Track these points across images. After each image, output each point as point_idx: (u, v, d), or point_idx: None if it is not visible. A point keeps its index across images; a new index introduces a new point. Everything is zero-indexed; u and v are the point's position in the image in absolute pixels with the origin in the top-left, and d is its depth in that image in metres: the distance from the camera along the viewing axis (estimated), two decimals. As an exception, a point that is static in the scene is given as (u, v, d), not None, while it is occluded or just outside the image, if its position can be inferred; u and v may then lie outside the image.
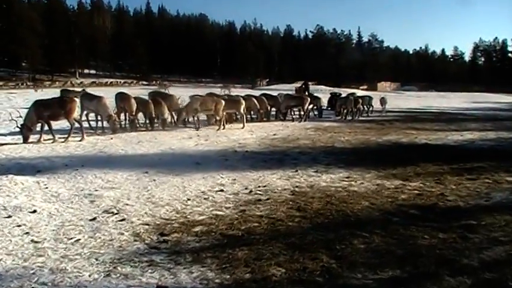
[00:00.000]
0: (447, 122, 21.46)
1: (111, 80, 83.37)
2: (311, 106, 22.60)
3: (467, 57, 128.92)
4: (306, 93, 25.62)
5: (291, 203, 6.61)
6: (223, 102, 15.96)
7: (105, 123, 14.64)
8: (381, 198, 6.91)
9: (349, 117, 21.94)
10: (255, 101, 18.68)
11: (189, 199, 6.80)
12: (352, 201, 6.72)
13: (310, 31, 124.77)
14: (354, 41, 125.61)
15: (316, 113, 23.08)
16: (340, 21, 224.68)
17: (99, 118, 15.05)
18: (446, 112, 31.62)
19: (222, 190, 7.33)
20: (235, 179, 8.09)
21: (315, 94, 25.97)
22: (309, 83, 37.09)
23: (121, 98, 15.60)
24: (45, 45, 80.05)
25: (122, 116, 15.76)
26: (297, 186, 7.64)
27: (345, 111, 22.16)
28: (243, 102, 16.80)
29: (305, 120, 19.86)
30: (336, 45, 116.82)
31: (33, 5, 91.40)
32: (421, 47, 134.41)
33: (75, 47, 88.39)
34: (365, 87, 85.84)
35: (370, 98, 26.14)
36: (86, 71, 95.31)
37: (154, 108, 15.27)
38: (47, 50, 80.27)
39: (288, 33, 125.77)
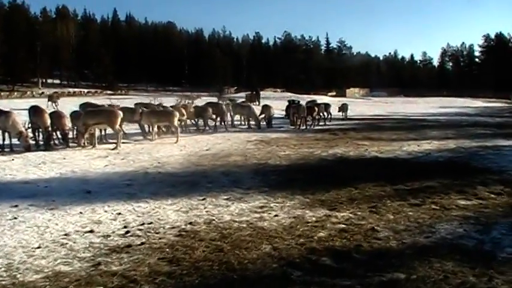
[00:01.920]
0: (407, 130, 20.22)
1: (75, 89, 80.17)
2: (262, 116, 21.08)
3: (435, 62, 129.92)
4: (257, 101, 24.03)
5: (167, 250, 5.02)
6: (120, 114, 13.83)
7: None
8: (290, 239, 5.38)
9: (303, 127, 20.47)
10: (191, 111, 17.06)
11: (40, 246, 5.17)
12: (249, 245, 5.16)
13: (278, 37, 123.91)
14: (323, 48, 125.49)
15: (266, 122, 21.36)
16: (309, 28, 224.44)
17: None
18: (410, 118, 30.55)
19: (91, 231, 5.69)
20: (119, 214, 6.44)
21: (266, 103, 24.39)
22: (261, 89, 35.70)
23: (34, 112, 13.71)
24: (4, 53, 76.67)
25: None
26: (190, 223, 6.02)
27: (298, 120, 20.71)
28: (176, 114, 15.03)
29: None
30: (304, 51, 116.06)
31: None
32: (390, 53, 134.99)
33: (37, 56, 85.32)
34: (333, 93, 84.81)
35: (327, 105, 24.76)
36: (50, 80, 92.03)
37: (73, 121, 13.46)
38: (6, 58, 77.02)
39: (257, 40, 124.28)
